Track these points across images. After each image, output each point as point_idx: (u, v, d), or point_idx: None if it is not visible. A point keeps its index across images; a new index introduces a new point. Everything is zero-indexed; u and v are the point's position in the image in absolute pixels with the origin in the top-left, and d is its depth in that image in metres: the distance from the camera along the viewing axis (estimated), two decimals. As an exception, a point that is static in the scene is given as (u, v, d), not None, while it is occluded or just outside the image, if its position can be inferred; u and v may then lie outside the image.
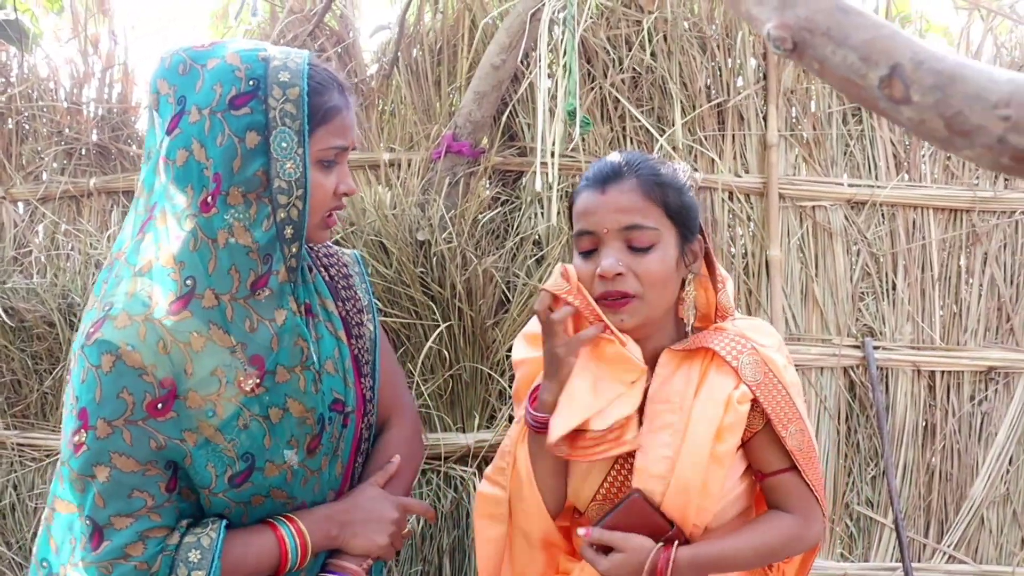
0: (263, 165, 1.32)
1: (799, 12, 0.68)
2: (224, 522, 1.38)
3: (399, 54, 2.51)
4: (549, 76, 2.24)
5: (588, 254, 1.50)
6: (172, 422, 1.31)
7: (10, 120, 2.69)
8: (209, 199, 1.32)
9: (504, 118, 2.43)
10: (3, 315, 2.52)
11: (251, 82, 1.31)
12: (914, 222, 2.45)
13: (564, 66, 2.12)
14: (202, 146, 1.31)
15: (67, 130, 2.65)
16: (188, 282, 1.32)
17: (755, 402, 1.49)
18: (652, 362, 1.55)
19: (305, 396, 1.40)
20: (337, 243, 2.38)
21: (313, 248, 1.63)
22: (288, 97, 1.32)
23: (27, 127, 2.69)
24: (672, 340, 1.58)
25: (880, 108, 0.67)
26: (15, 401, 2.63)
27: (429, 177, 2.46)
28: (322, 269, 1.61)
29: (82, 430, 1.29)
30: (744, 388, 1.48)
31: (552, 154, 2.19)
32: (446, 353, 2.39)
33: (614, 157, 1.55)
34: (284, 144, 1.32)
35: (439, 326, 2.35)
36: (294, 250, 1.36)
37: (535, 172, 2.19)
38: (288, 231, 1.34)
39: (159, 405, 1.30)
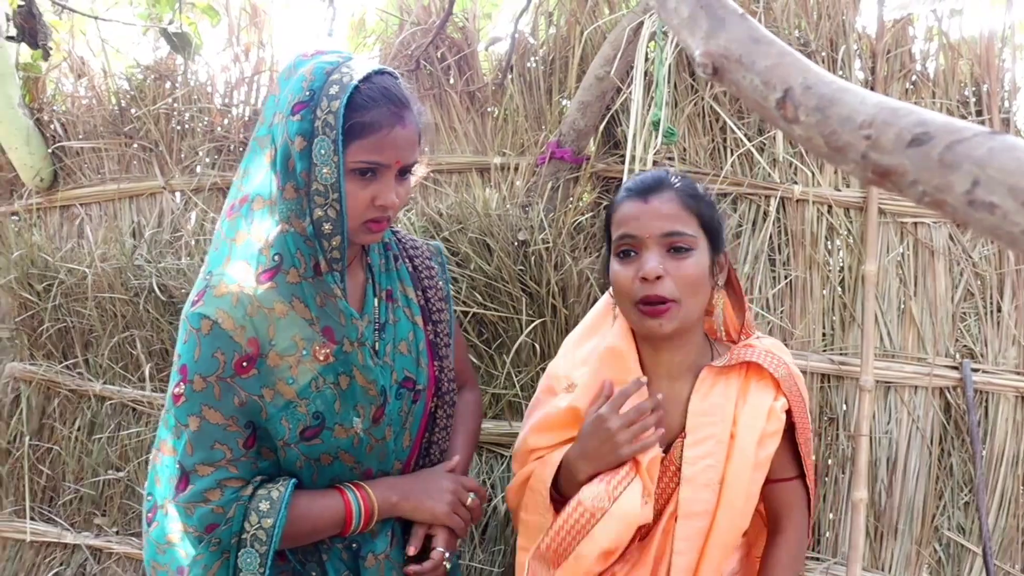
0: (306, 168, 1.45)
1: (720, 42, 0.77)
2: (294, 480, 1.54)
3: (512, 64, 2.66)
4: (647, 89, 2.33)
5: (627, 258, 1.61)
6: (254, 379, 1.48)
7: (173, 120, 3.02)
8: (279, 189, 1.49)
9: (604, 126, 2.53)
10: (157, 291, 2.85)
11: (308, 93, 1.45)
12: (1025, 243, 2.37)
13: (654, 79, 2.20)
14: (276, 144, 1.49)
15: (219, 129, 2.96)
16: (276, 258, 1.50)
17: (787, 413, 1.62)
18: (678, 374, 1.67)
19: (365, 369, 1.56)
20: (446, 240, 2.57)
21: (401, 240, 1.80)
22: (331, 109, 1.43)
23: (186, 126, 3.02)
24: (701, 355, 1.69)
25: (780, 126, 0.75)
26: (162, 367, 2.95)
27: (533, 181, 2.60)
28: (407, 260, 1.77)
29: (181, 383, 1.48)
30: (783, 399, 1.61)
31: (645, 162, 2.29)
32: (539, 347, 2.52)
33: (654, 171, 1.69)
34: (322, 151, 1.44)
35: (534, 321, 2.48)
36: (334, 244, 1.49)
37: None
38: (326, 227, 1.47)
39: (244, 363, 1.47)
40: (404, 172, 1.54)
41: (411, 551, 1.66)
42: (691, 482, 1.59)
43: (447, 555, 1.67)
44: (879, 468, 2.36)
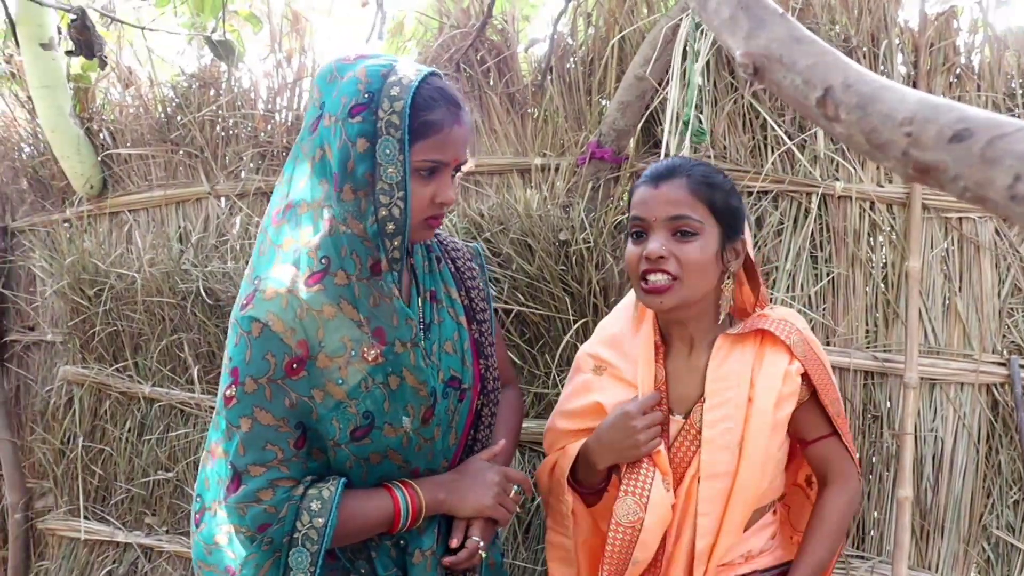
0: (369, 168, 1.49)
1: (760, 42, 0.78)
2: (344, 479, 1.56)
3: (552, 65, 2.67)
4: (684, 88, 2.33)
5: (638, 239, 1.72)
6: (304, 381, 1.50)
7: (218, 126, 3.08)
8: (332, 192, 1.52)
9: (644, 125, 2.53)
10: (204, 294, 2.91)
11: (367, 95, 1.48)
12: (1074, 237, 2.33)
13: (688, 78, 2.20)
14: (329, 147, 1.52)
15: (262, 134, 3.01)
16: (323, 261, 1.52)
17: (804, 375, 1.71)
18: (696, 344, 1.78)
19: (416, 370, 1.58)
20: (487, 241, 2.59)
21: (443, 242, 1.82)
22: (394, 110, 1.47)
23: (231, 132, 3.07)
24: (712, 327, 1.78)
25: (822, 124, 0.76)
26: (209, 369, 3.01)
27: (574, 181, 2.61)
28: (449, 261, 1.79)
29: (233, 386, 1.50)
30: (797, 363, 1.70)
31: (684, 161, 2.29)
32: (580, 347, 2.53)
33: (670, 159, 1.80)
34: (388, 151, 1.48)
35: (576, 321, 2.50)
36: (396, 243, 1.52)
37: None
38: (390, 227, 1.51)
39: (294, 365, 1.49)
40: (456, 170, 1.60)
41: (453, 543, 1.68)
42: (711, 443, 1.69)
43: (482, 544, 1.69)
44: (924, 466, 2.34)
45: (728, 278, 1.74)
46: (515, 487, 1.75)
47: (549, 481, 1.88)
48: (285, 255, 1.56)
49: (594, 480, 1.80)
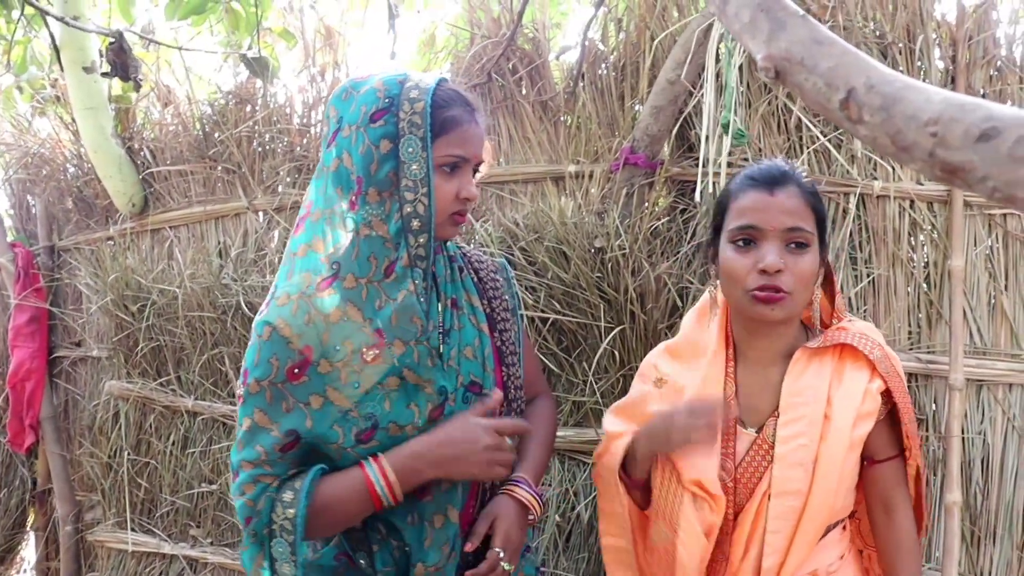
0: (393, 168, 1.54)
1: (781, 44, 0.76)
2: (319, 467, 1.55)
3: (583, 71, 2.67)
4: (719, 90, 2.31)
5: (745, 248, 1.64)
6: (303, 386, 1.53)
7: (254, 141, 3.12)
8: (354, 198, 1.56)
9: (678, 129, 2.51)
10: (244, 308, 2.94)
11: (387, 100, 1.55)
12: (1125, 231, 2.27)
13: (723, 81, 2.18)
14: (349, 155, 1.56)
15: (298, 149, 3.04)
16: (334, 267, 1.57)
17: (885, 394, 1.64)
18: (773, 358, 1.71)
19: (419, 367, 1.57)
20: (523, 250, 2.59)
21: (467, 254, 1.83)
22: (415, 110, 1.53)
23: (267, 147, 3.11)
24: (798, 339, 1.71)
25: (846, 127, 0.74)
26: (250, 383, 3.04)
27: (608, 188, 2.60)
28: (473, 272, 1.81)
29: (243, 386, 1.56)
30: (879, 380, 1.63)
31: (719, 164, 2.27)
32: (618, 354, 2.52)
33: (775, 163, 1.71)
34: (411, 149, 1.53)
35: (613, 328, 2.48)
36: (421, 240, 1.56)
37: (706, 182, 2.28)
38: (415, 223, 1.55)
39: (296, 370, 1.53)
40: (475, 169, 1.65)
41: (468, 548, 1.63)
42: (783, 460, 1.63)
43: (503, 555, 1.62)
44: (973, 469, 2.28)
45: (816, 289, 1.69)
46: (508, 440, 1.64)
47: (600, 483, 1.87)
48: (300, 262, 1.61)
49: (637, 474, 1.78)
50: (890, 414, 1.67)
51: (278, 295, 1.58)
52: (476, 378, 1.67)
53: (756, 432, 1.69)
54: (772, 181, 1.64)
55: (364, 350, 1.55)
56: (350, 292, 1.56)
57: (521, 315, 1.86)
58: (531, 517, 1.69)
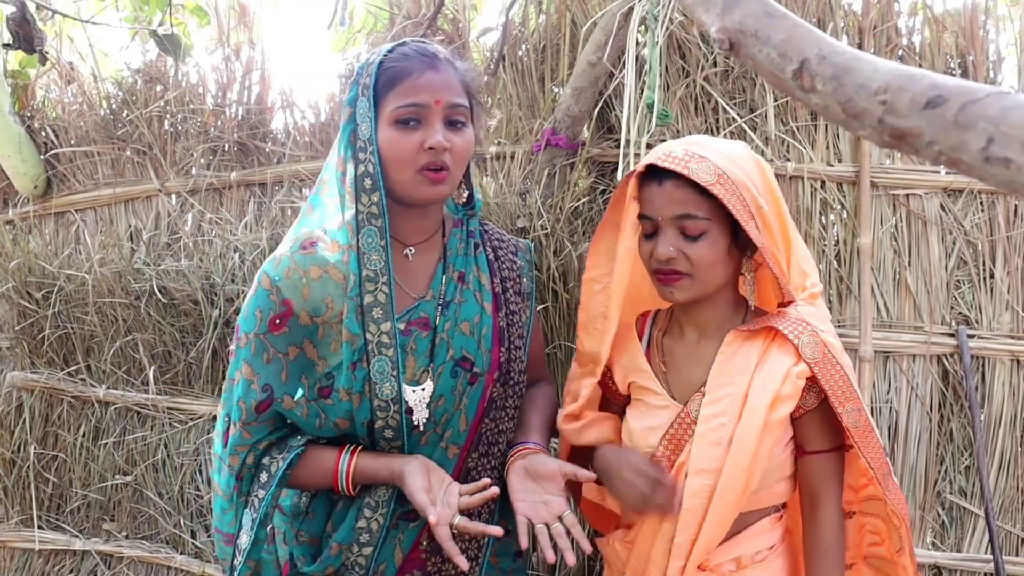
0: (353, 130, 1.59)
1: (735, 17, 0.80)
2: (300, 449, 1.61)
3: (504, 53, 2.68)
4: (638, 72, 2.35)
5: (649, 236, 1.67)
6: (283, 336, 1.58)
7: (166, 122, 3.03)
8: (339, 167, 1.63)
9: (599, 111, 2.55)
10: (157, 293, 2.86)
11: (355, 73, 1.61)
12: (1015, 209, 2.41)
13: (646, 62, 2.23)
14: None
15: (212, 129, 2.97)
16: (323, 229, 1.63)
17: (812, 380, 1.61)
18: (708, 333, 1.72)
19: (349, 323, 1.59)
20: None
21: (488, 231, 1.82)
22: (368, 72, 1.57)
23: (180, 128, 3.02)
24: (730, 315, 1.73)
25: (797, 96, 0.78)
26: (165, 370, 2.96)
27: (530, 168, 2.62)
28: (490, 249, 1.79)
29: (235, 340, 1.62)
30: (803, 365, 1.60)
31: (639, 145, 2.31)
32: (542, 333, 2.54)
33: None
34: (362, 109, 1.56)
35: (535, 307, 2.51)
36: (374, 199, 1.57)
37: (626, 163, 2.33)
38: (367, 183, 1.57)
39: (277, 321, 1.57)
40: (455, 122, 1.59)
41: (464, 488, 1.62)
42: (702, 438, 1.63)
43: (489, 482, 1.62)
44: (881, 437, 2.40)
45: (747, 262, 1.68)
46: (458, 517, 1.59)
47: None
48: (304, 220, 1.69)
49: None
50: (824, 405, 1.63)
51: (276, 254, 1.63)
52: (468, 354, 1.67)
53: (682, 405, 1.69)
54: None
55: (343, 310, 1.58)
56: (332, 254, 1.60)
57: (534, 300, 1.87)
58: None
